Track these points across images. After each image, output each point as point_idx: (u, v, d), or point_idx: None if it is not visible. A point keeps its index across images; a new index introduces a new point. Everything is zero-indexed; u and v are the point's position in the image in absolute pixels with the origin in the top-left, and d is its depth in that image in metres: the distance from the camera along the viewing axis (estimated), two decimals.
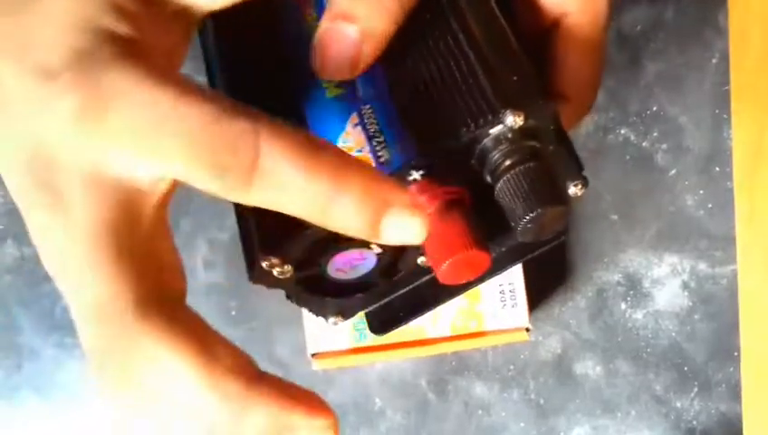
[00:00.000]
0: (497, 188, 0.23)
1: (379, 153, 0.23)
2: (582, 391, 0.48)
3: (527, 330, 0.44)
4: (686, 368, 0.48)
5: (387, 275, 0.28)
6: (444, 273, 0.23)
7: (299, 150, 0.19)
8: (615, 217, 0.48)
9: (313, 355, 0.43)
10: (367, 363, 0.48)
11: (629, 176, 0.48)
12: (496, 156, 0.22)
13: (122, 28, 0.19)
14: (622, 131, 0.48)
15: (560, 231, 0.24)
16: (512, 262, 0.28)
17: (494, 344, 0.47)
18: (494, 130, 0.22)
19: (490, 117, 0.22)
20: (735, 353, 0.47)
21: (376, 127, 0.24)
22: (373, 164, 0.23)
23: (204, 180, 0.19)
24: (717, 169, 0.48)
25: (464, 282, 0.25)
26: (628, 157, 0.48)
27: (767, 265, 0.47)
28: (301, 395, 0.21)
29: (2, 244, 0.50)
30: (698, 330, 0.48)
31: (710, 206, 0.48)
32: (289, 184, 0.19)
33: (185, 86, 0.19)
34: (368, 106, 0.24)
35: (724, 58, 0.48)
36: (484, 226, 0.23)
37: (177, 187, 0.20)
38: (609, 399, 0.48)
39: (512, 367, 0.48)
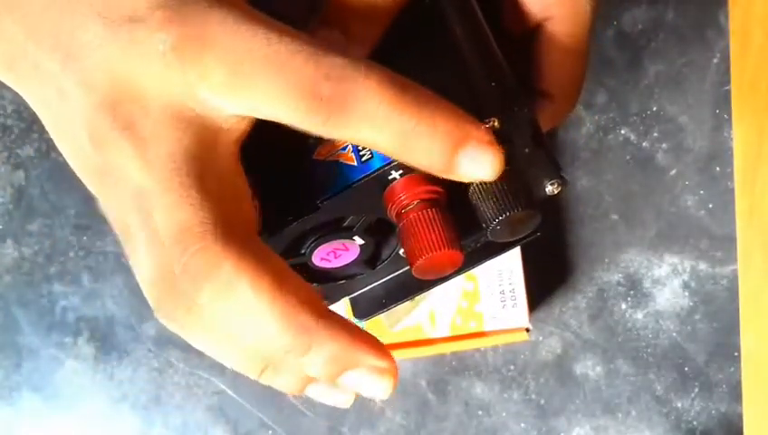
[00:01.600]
0: (470, 191, 0.23)
1: (362, 152, 0.24)
2: (582, 391, 0.48)
3: (527, 330, 0.44)
4: (686, 368, 0.48)
5: (369, 265, 0.29)
6: (418, 268, 0.24)
7: (388, 86, 0.20)
8: (615, 217, 0.48)
9: None
10: None
11: (629, 176, 0.48)
12: None
13: None
14: (622, 131, 0.48)
15: (532, 230, 0.25)
16: (487, 257, 0.30)
17: (494, 344, 0.47)
18: None
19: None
20: (736, 353, 0.47)
21: None
22: (355, 163, 0.24)
23: (298, 115, 0.20)
24: (718, 169, 0.48)
25: (438, 277, 0.26)
26: (628, 157, 0.48)
27: (767, 265, 0.47)
28: (366, 337, 0.22)
29: (2, 244, 0.50)
30: (699, 330, 0.48)
31: (710, 206, 0.48)
32: (379, 116, 0.20)
33: (275, 25, 0.20)
34: None
35: (725, 58, 0.48)
36: (461, 223, 0.24)
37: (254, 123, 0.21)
38: (609, 399, 0.48)
39: (512, 367, 0.48)
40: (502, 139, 0.22)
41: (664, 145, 0.48)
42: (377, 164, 0.24)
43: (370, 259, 0.29)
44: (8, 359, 0.50)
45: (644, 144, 0.48)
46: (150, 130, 0.19)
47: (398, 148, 0.20)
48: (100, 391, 0.50)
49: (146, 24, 0.19)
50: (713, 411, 0.47)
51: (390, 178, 0.24)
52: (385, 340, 0.43)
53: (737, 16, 0.48)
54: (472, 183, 0.23)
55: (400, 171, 0.24)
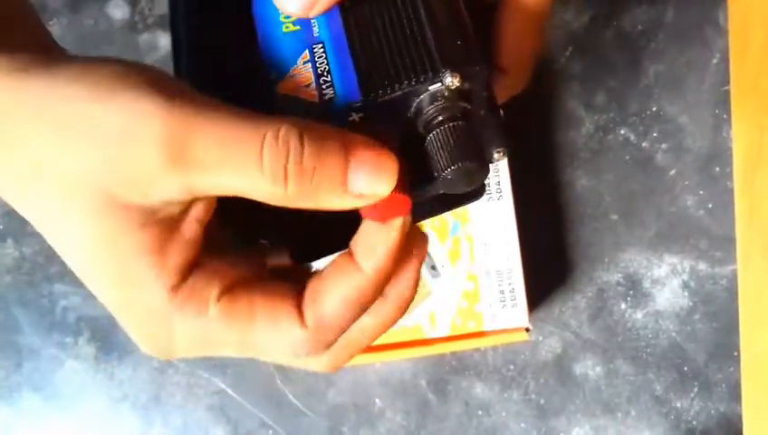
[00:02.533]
0: (427, 140, 0.24)
1: (325, 91, 0.25)
2: (582, 391, 0.48)
3: (527, 330, 0.44)
4: (686, 368, 0.48)
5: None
6: (366, 210, 0.24)
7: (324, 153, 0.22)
8: (615, 217, 0.48)
9: None
10: (367, 363, 0.48)
11: (629, 176, 0.48)
12: (431, 110, 0.24)
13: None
14: (622, 131, 0.48)
15: (477, 189, 0.26)
16: (435, 211, 0.30)
17: (494, 344, 0.47)
18: (433, 88, 0.24)
19: (431, 74, 0.24)
20: (735, 353, 0.47)
21: (325, 66, 0.25)
22: (317, 99, 0.25)
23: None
24: (717, 169, 0.48)
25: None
26: (628, 157, 0.48)
27: (767, 265, 0.47)
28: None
29: (2, 244, 0.50)
30: (698, 330, 0.48)
31: (710, 206, 0.48)
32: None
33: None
34: (320, 45, 0.25)
35: (725, 58, 0.48)
36: (412, 172, 0.25)
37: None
38: (609, 399, 0.48)
39: (512, 367, 0.48)
40: (462, 95, 0.24)
41: (664, 145, 0.48)
42: (338, 103, 0.24)
43: None
44: (8, 359, 0.50)
45: (644, 144, 0.48)
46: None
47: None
48: (100, 390, 0.50)
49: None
50: (712, 411, 0.47)
51: (350, 119, 0.25)
52: (385, 340, 0.43)
53: (737, 16, 0.48)
54: (429, 134, 0.24)
55: (360, 114, 0.24)
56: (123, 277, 0.22)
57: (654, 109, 0.48)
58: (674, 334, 0.48)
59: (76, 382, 0.50)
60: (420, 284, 0.43)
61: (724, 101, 0.48)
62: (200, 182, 0.21)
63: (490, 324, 0.44)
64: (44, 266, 0.50)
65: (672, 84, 0.48)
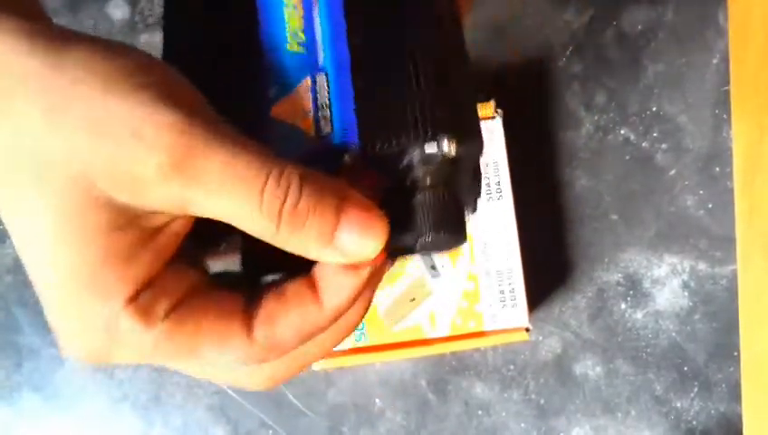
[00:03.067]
0: (414, 200, 0.24)
1: (322, 125, 0.24)
2: (582, 391, 0.48)
3: (527, 330, 0.44)
4: (686, 368, 0.48)
5: None
6: None
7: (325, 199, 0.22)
8: (615, 217, 0.48)
9: None
10: (367, 363, 0.48)
11: (629, 176, 0.48)
12: (421, 171, 0.24)
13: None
14: (622, 131, 0.48)
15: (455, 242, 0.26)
16: (406, 253, 0.29)
17: (494, 344, 0.47)
18: (429, 150, 0.24)
19: (430, 134, 0.24)
20: (735, 353, 0.47)
21: (326, 100, 0.24)
22: (312, 132, 0.24)
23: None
24: (717, 169, 0.48)
25: None
26: (628, 157, 0.48)
27: (767, 265, 0.47)
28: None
29: (2, 244, 0.50)
30: (698, 330, 0.48)
31: (710, 206, 0.48)
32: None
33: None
34: (324, 75, 0.25)
35: (724, 58, 0.48)
36: (391, 217, 0.24)
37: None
38: (609, 399, 0.48)
39: (512, 367, 0.48)
40: (453, 162, 0.24)
41: (663, 145, 0.48)
42: (334, 141, 0.24)
43: None
44: (9, 359, 0.50)
45: (644, 144, 0.48)
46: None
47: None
48: (100, 390, 0.50)
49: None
50: (712, 411, 0.47)
51: (344, 160, 0.24)
52: (385, 340, 0.43)
53: (737, 16, 0.48)
54: (415, 194, 0.24)
55: (353, 157, 0.24)
56: (79, 277, 0.21)
57: (654, 109, 0.48)
58: (674, 334, 0.48)
59: (76, 382, 0.50)
60: (420, 283, 0.43)
61: (724, 101, 0.48)
62: (198, 200, 0.21)
63: (490, 324, 0.44)
64: None
65: (672, 84, 0.48)
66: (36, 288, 0.22)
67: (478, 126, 0.25)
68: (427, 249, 0.25)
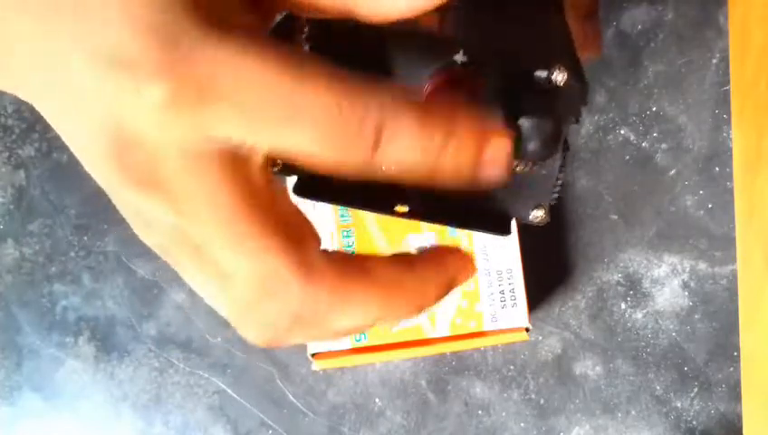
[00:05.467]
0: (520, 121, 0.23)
1: (446, 26, 0.24)
2: (582, 391, 0.48)
3: (527, 330, 0.44)
4: (686, 368, 0.48)
5: None
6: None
7: (414, 120, 0.18)
8: (615, 217, 0.48)
9: (313, 355, 0.43)
10: (367, 363, 0.48)
11: (629, 176, 0.48)
12: (533, 96, 0.23)
13: None
14: (622, 131, 0.48)
15: (503, 226, 0.25)
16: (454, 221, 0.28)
17: (494, 344, 0.47)
18: (540, 73, 0.23)
19: (549, 59, 0.23)
20: (735, 353, 0.47)
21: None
22: (435, 23, 0.24)
23: (325, 161, 0.18)
24: (717, 169, 0.48)
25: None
26: (628, 157, 0.48)
27: (767, 265, 0.47)
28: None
29: (2, 244, 0.50)
30: (698, 330, 0.48)
31: (710, 206, 0.48)
32: (408, 154, 0.18)
33: (289, 57, 0.17)
34: None
35: (724, 58, 0.48)
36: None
37: None
38: (609, 399, 0.48)
39: (512, 367, 0.48)
40: (561, 95, 0.23)
41: (663, 145, 0.48)
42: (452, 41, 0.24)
43: None
44: (9, 359, 0.50)
45: (644, 144, 0.48)
46: (172, 183, 0.17)
47: (428, 174, 0.19)
48: (100, 390, 0.50)
49: (137, 72, 0.16)
50: (712, 411, 0.47)
51: (456, 59, 0.24)
52: (385, 340, 0.43)
53: (737, 16, 0.48)
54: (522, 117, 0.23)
55: (465, 60, 0.24)
56: None
57: (654, 109, 0.48)
58: (674, 334, 0.48)
59: (76, 382, 0.50)
60: None
61: (724, 101, 0.48)
62: None
63: (490, 324, 0.44)
64: (45, 266, 0.50)
65: (672, 84, 0.48)
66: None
67: (583, 72, 0.24)
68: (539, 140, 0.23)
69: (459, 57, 0.24)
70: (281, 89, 0.17)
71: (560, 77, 0.23)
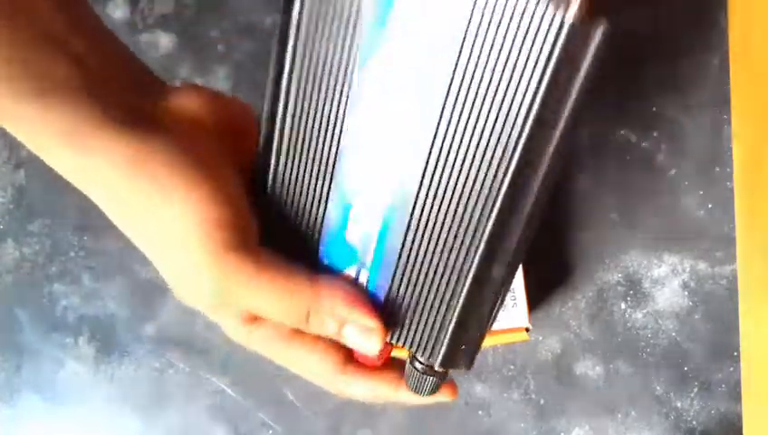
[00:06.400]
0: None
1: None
2: (582, 391, 0.48)
3: (527, 330, 0.44)
4: (686, 368, 0.48)
5: None
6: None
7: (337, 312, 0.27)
8: (615, 217, 0.48)
9: None
10: None
11: (629, 176, 0.48)
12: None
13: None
14: (622, 131, 0.49)
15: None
16: None
17: (494, 344, 0.47)
18: (421, 363, 0.29)
19: (428, 358, 0.28)
20: (735, 353, 0.47)
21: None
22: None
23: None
24: (717, 169, 0.48)
25: None
26: (628, 157, 0.48)
27: (767, 265, 0.47)
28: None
29: (2, 244, 0.50)
30: (698, 330, 0.48)
31: (710, 206, 0.48)
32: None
33: (275, 274, 0.26)
34: (367, 274, 0.27)
35: (725, 58, 0.48)
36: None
37: None
38: (609, 399, 0.48)
39: (512, 367, 0.48)
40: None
41: (663, 145, 0.48)
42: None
43: None
44: (9, 359, 0.50)
45: (644, 144, 0.48)
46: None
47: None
48: (100, 391, 0.50)
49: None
50: (712, 411, 0.47)
51: None
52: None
53: (737, 17, 0.48)
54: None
55: None
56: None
57: (654, 109, 0.48)
58: (674, 334, 0.48)
59: (76, 383, 0.50)
60: None
61: (724, 101, 0.48)
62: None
63: None
64: (45, 266, 0.50)
65: (672, 84, 0.48)
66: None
67: (472, 360, 0.30)
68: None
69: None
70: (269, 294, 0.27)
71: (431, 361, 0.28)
